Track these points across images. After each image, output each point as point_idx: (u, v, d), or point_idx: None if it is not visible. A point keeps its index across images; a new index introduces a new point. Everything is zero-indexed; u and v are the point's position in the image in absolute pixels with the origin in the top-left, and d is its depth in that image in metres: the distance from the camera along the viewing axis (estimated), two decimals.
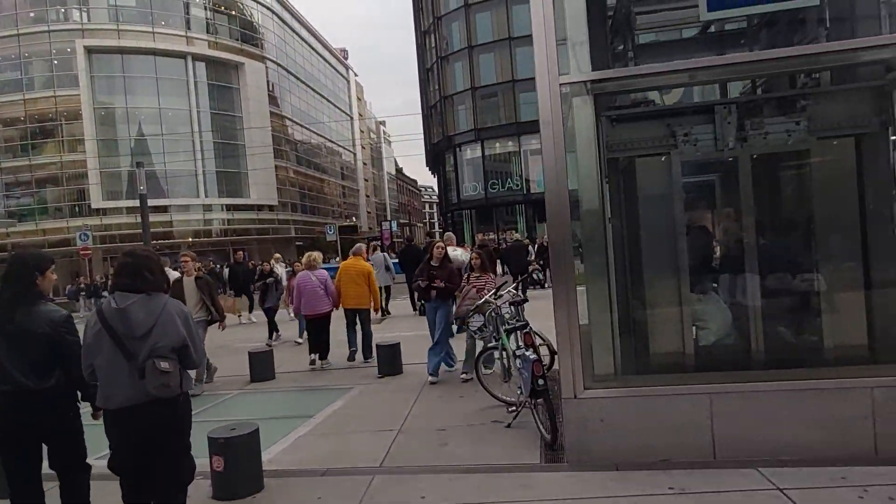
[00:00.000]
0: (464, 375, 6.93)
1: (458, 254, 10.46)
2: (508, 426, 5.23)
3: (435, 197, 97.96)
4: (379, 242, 32.51)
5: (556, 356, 6.73)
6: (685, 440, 4.10)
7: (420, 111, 55.26)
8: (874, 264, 4.51)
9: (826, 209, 4.56)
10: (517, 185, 42.32)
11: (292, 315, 12.26)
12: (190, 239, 49.28)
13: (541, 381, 4.57)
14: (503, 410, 5.62)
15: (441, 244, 7.57)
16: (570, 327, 4.24)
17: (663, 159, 4.72)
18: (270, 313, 11.91)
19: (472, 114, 43.35)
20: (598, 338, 4.48)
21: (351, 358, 8.87)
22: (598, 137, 4.59)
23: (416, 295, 12.63)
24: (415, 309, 13.65)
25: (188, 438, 3.36)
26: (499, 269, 18.41)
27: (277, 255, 14.39)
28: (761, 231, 4.64)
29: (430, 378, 7.12)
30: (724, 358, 4.77)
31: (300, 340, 10.99)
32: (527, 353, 4.89)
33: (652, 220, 4.84)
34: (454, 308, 7.37)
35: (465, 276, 7.36)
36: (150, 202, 23.68)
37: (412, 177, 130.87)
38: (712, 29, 5.56)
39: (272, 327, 11.83)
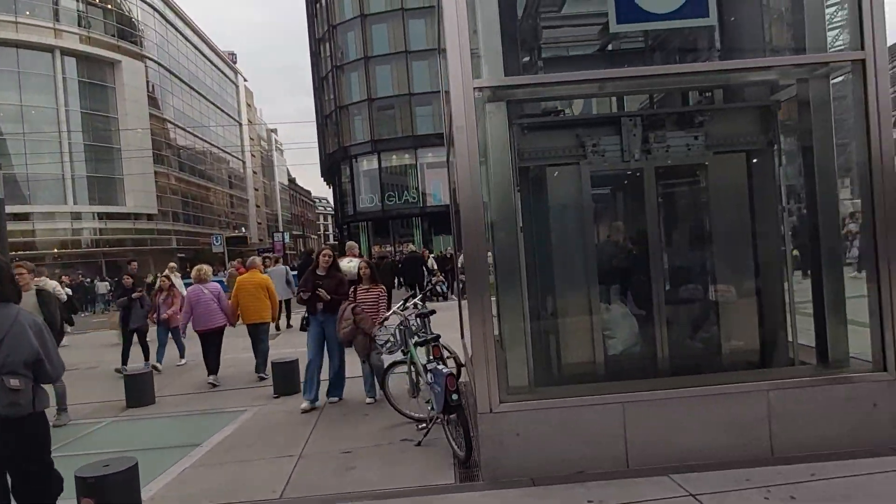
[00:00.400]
0: (369, 400, 6.54)
1: (354, 265, 10.06)
2: (419, 444, 4.99)
3: (330, 208, 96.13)
4: (272, 254, 31.13)
5: (462, 368, 6.62)
6: (600, 450, 4.08)
7: (314, 120, 54.04)
8: (763, 273, 4.79)
9: (722, 221, 4.79)
10: (414, 198, 42.43)
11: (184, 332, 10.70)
12: (56, 250, 44.76)
13: (455, 396, 4.39)
14: (412, 428, 5.39)
15: (328, 251, 7.01)
16: (485, 339, 4.10)
17: (556, 174, 4.75)
18: (140, 335, 9.63)
19: (368, 125, 42.98)
20: (513, 349, 4.39)
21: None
22: (510, 146, 4.53)
23: None
24: None
25: (48, 456, 3.14)
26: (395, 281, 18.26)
27: (172, 263, 13.16)
28: (665, 241, 4.78)
29: (328, 400, 6.73)
30: (634, 366, 4.85)
31: (181, 363, 10.09)
32: (439, 367, 4.70)
33: (562, 230, 4.84)
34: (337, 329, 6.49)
35: (352, 289, 6.65)
36: (9, 208, 21.08)
37: (306, 187, 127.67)
38: (611, 48, 5.73)
39: (144, 351, 9.74)
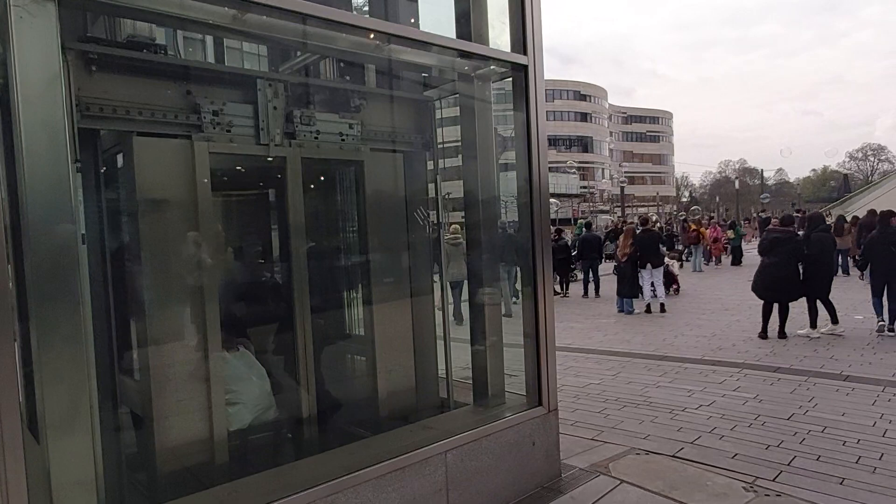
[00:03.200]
0: None
1: None
2: None
3: None
4: None
5: None
6: None
7: None
8: (418, 301, 3.99)
9: (378, 235, 3.78)
10: None
11: None
12: None
13: None
14: None
15: None
16: (5, 437, 1.98)
17: (151, 149, 2.92)
18: None
19: None
20: (60, 439, 2.33)
21: None
22: (64, 88, 2.48)
23: None
24: None
25: None
26: None
27: None
28: (311, 261, 3.46)
29: None
30: (273, 444, 3.35)
31: None
32: None
33: (160, 240, 2.98)
34: None
35: None
36: None
37: None
38: None
39: None
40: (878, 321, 8.39)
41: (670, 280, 13.89)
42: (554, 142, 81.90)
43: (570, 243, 16.03)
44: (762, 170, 76.75)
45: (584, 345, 8.71)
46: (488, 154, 3.89)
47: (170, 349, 2.97)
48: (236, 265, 3.56)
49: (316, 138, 3.42)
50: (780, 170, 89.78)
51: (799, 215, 22.11)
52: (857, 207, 25.53)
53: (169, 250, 2.97)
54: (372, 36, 3.40)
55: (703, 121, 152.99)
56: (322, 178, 3.85)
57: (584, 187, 71.57)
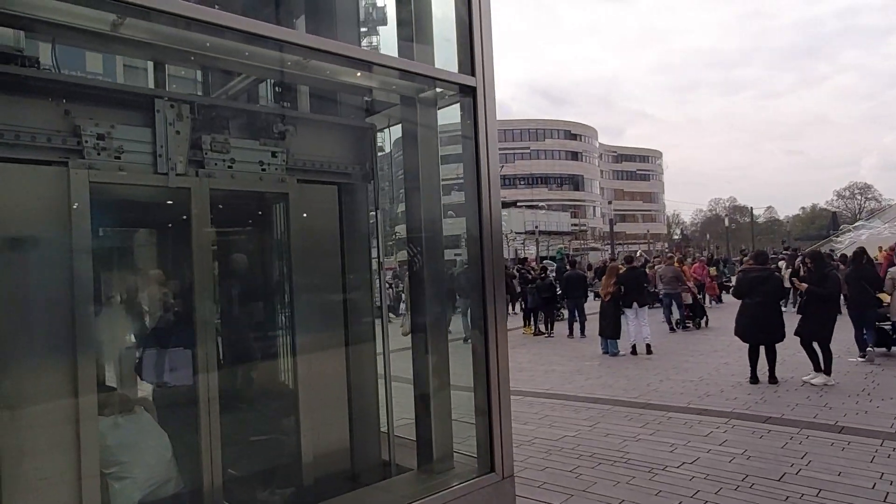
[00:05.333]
0: None
1: None
2: None
3: None
4: None
5: None
6: None
7: None
8: (354, 353, 3.52)
9: (307, 280, 3.32)
10: None
11: None
12: None
13: None
14: None
15: None
16: None
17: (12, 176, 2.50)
18: None
19: None
20: None
21: None
22: None
23: None
24: None
25: None
26: None
27: None
28: (222, 308, 3.01)
29: None
30: None
31: None
32: None
33: (20, 284, 2.52)
34: None
35: None
36: None
37: None
38: None
39: None
40: (860, 355, 8.96)
41: (701, 312, 13.79)
42: (546, 180, 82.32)
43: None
44: (752, 208, 77.26)
45: (564, 390, 8.19)
46: (433, 185, 3.48)
47: (28, 415, 2.47)
48: (126, 313, 3.10)
49: (230, 167, 3.00)
50: (769, 207, 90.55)
51: (787, 252, 21.81)
52: (846, 245, 25.34)
53: (33, 296, 2.50)
54: (297, 51, 3.02)
55: (693, 159, 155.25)
56: (238, 213, 3.43)
57: (576, 225, 71.64)
